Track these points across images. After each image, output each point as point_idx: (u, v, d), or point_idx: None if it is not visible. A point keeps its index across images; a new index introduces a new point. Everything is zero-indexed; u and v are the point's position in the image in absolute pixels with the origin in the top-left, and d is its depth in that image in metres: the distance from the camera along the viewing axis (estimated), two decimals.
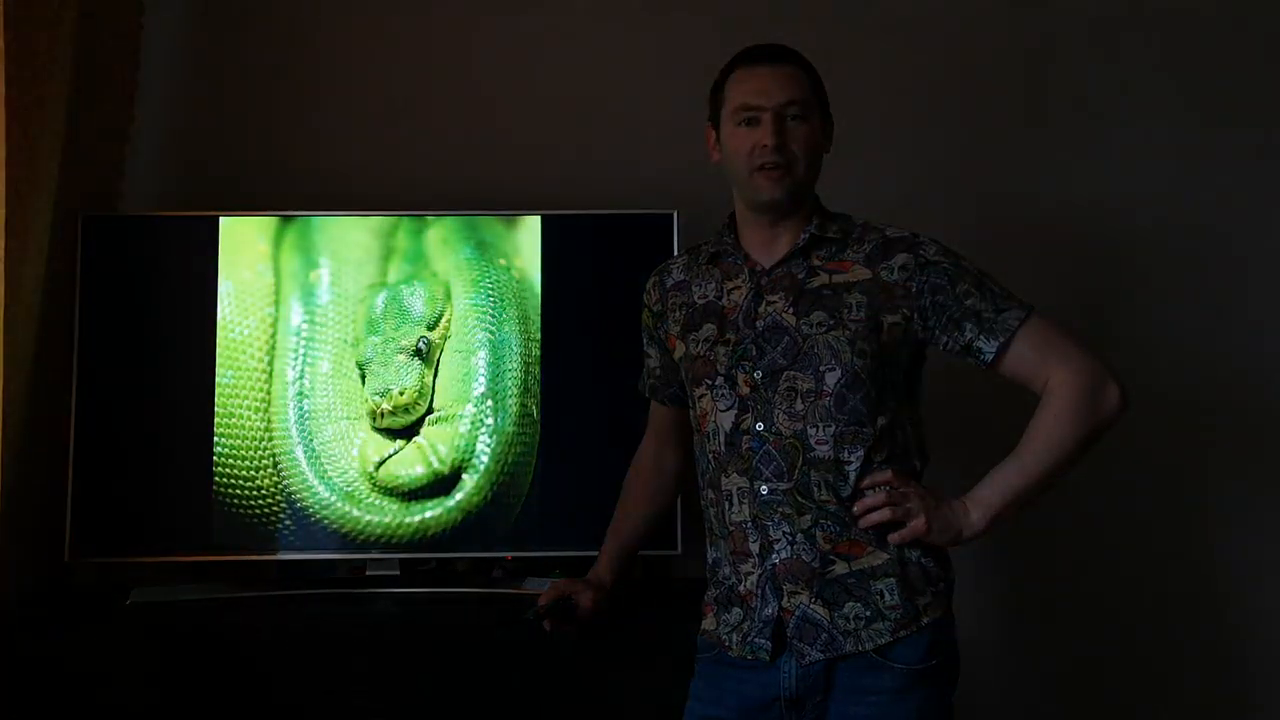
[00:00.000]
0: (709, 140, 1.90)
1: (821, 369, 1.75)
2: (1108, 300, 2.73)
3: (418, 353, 2.40)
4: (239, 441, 2.38)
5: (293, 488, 2.38)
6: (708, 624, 1.86)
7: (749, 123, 1.81)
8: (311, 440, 2.38)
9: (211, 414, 2.37)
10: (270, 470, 2.38)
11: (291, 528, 2.37)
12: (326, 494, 2.38)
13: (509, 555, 2.45)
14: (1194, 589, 2.70)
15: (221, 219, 2.43)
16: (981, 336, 1.76)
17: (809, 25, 2.65)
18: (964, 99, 2.75)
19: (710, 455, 1.83)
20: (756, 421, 1.77)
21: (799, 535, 1.75)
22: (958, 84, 2.75)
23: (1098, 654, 2.69)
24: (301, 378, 2.40)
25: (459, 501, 2.39)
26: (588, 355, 2.42)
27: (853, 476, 1.74)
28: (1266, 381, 2.72)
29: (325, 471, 2.38)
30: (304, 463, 2.38)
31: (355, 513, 2.38)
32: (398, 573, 2.39)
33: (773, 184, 1.79)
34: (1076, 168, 2.75)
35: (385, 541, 2.38)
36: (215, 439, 2.37)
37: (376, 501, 2.38)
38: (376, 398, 2.38)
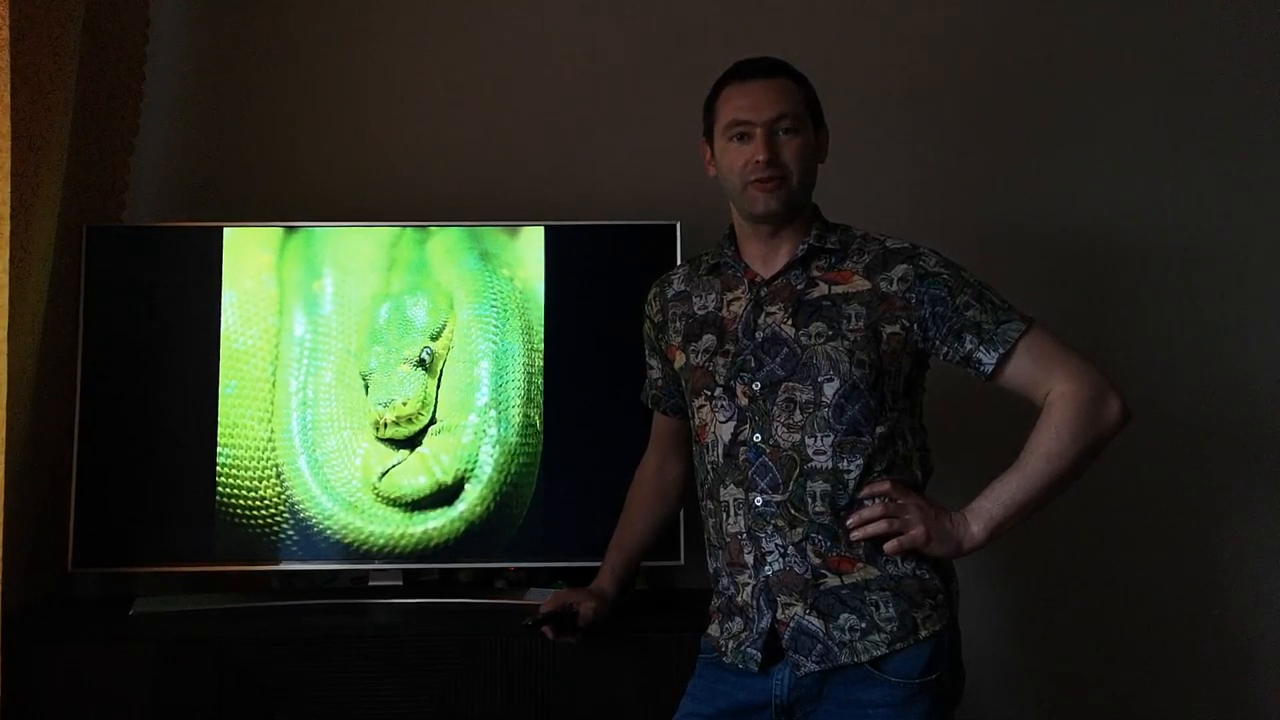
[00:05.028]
0: (704, 156, 1.91)
1: (820, 379, 1.75)
2: (1105, 309, 2.73)
3: (421, 363, 2.40)
4: (242, 452, 2.38)
5: (296, 498, 2.38)
6: (712, 629, 1.86)
7: (741, 138, 1.81)
8: (314, 450, 2.39)
9: (215, 424, 2.38)
10: (273, 480, 2.38)
11: (294, 538, 2.37)
12: (329, 504, 2.38)
13: (512, 566, 2.46)
14: (1195, 597, 2.70)
15: (225, 229, 2.44)
16: (981, 348, 1.75)
17: (810, 36, 2.67)
18: (962, 108, 2.75)
19: (709, 466, 1.84)
20: (754, 433, 1.77)
21: (790, 548, 1.74)
22: (956, 94, 2.75)
23: (1099, 663, 2.68)
24: (305, 388, 2.40)
25: (462, 512, 2.39)
26: (591, 365, 2.42)
27: (852, 486, 1.74)
28: (1263, 390, 2.72)
29: (328, 482, 2.38)
30: (307, 473, 2.38)
31: (358, 523, 2.38)
32: (400, 583, 2.39)
33: (767, 195, 1.80)
34: (1074, 178, 2.75)
35: (388, 552, 2.38)
36: (218, 449, 2.37)
37: (379, 512, 2.38)
38: (380, 408, 2.38)
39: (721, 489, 1.81)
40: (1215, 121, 2.77)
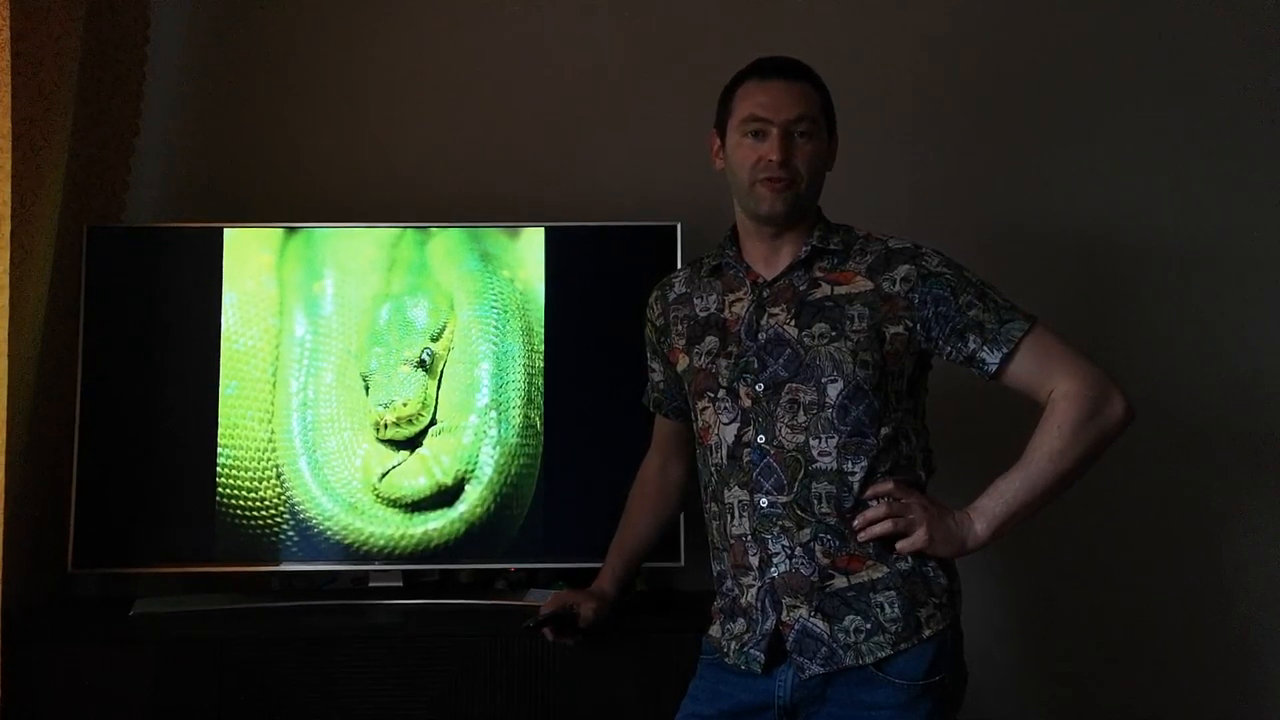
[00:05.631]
0: (712, 147, 1.90)
1: (823, 380, 1.75)
2: (1105, 309, 2.73)
3: (421, 364, 2.40)
4: (242, 452, 2.38)
5: (296, 499, 2.38)
6: (714, 630, 1.86)
7: (756, 135, 1.80)
8: (315, 451, 2.38)
9: (215, 425, 2.38)
10: (273, 481, 2.38)
11: (294, 539, 2.37)
12: (329, 505, 2.38)
13: (512, 567, 2.46)
14: (1196, 596, 2.70)
15: (226, 230, 2.43)
16: (985, 347, 1.75)
17: (810, 35, 2.66)
18: (963, 108, 2.76)
19: (713, 468, 1.83)
20: (758, 434, 1.77)
21: (798, 549, 1.74)
22: (957, 94, 2.75)
23: (1100, 663, 2.68)
24: (305, 389, 2.40)
25: (462, 513, 2.38)
26: (591, 366, 2.42)
27: (856, 487, 1.73)
28: (1263, 389, 2.73)
29: (328, 483, 2.38)
30: (307, 474, 2.38)
31: (358, 524, 2.38)
32: (400, 584, 2.39)
33: (774, 196, 1.79)
34: (1074, 178, 2.75)
35: (388, 553, 2.38)
36: (219, 450, 2.37)
37: (379, 513, 2.38)
38: (380, 409, 2.38)
39: (726, 491, 1.80)
40: (1215, 121, 2.77)
